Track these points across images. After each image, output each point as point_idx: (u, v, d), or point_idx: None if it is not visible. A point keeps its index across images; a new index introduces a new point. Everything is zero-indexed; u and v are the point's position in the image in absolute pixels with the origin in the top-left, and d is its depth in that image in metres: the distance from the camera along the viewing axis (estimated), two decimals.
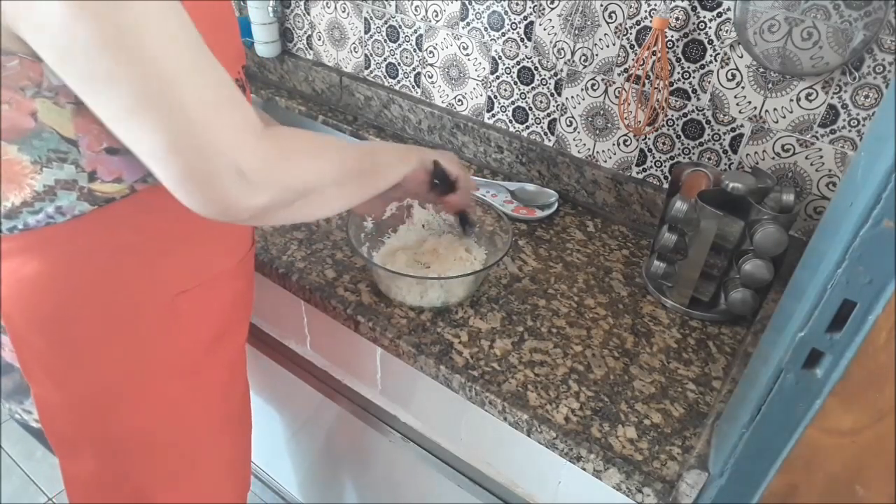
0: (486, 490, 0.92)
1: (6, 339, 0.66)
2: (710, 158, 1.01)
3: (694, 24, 0.94)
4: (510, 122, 1.20)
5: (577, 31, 1.04)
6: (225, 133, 0.52)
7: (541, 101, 1.14)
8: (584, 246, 1.05)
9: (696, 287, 0.91)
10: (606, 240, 1.08)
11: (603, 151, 1.11)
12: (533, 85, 1.13)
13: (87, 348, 0.67)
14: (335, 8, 1.32)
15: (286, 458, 1.36)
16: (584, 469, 0.73)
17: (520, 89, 1.15)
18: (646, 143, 1.06)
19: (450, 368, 0.80)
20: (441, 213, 0.98)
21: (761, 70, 0.91)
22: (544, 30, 1.07)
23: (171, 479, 0.79)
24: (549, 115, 1.14)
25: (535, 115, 1.16)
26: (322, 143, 0.65)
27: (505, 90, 1.17)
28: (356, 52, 1.34)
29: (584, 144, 1.13)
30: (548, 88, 1.12)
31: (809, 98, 0.89)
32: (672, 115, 1.02)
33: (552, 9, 1.05)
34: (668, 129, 1.03)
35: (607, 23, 1.00)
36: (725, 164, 1.00)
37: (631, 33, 0.99)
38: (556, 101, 1.12)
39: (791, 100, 0.91)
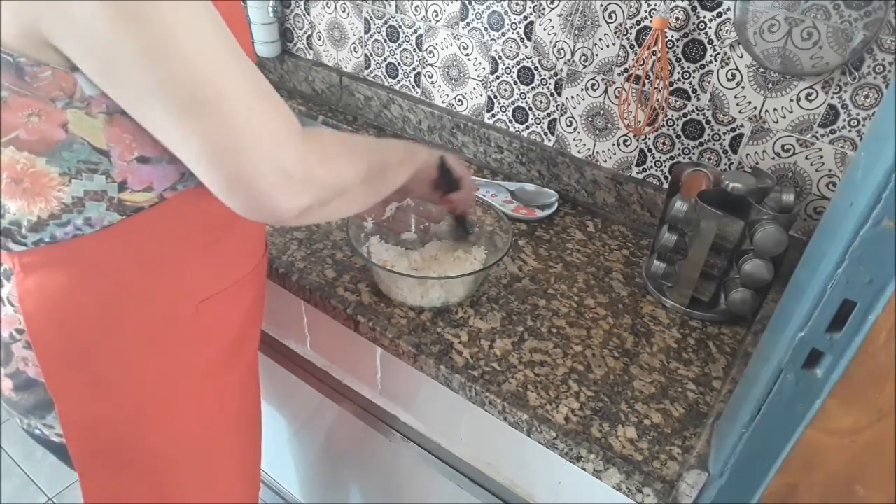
0: (486, 490, 0.92)
1: (30, 354, 0.65)
2: (710, 158, 1.02)
3: (694, 24, 0.94)
4: (510, 122, 1.20)
5: (577, 31, 1.04)
6: (269, 135, 0.53)
7: (541, 101, 1.14)
8: (584, 246, 1.05)
9: (696, 287, 0.91)
10: (606, 240, 1.08)
11: (603, 151, 1.11)
12: (533, 85, 1.13)
13: (116, 362, 0.66)
14: (335, 8, 1.32)
15: (286, 458, 1.36)
16: (584, 469, 0.73)
17: (520, 89, 1.15)
18: (646, 143, 1.06)
19: (450, 368, 0.80)
20: (442, 215, 0.98)
21: (761, 70, 0.91)
22: (544, 30, 1.07)
23: (191, 484, 0.79)
24: (549, 115, 1.14)
25: (535, 115, 1.16)
26: (350, 141, 0.67)
27: (505, 90, 1.17)
28: (356, 52, 1.34)
29: (584, 144, 1.13)
30: (548, 88, 1.12)
31: (809, 98, 0.89)
32: (672, 115, 1.02)
33: (552, 9, 1.05)
34: (668, 129, 1.03)
35: (607, 23, 1.00)
36: (725, 164, 1.00)
37: (631, 33, 0.99)
38: (556, 101, 1.12)
39: (791, 100, 0.91)
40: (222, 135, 0.51)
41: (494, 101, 1.20)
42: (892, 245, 0.40)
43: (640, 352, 0.85)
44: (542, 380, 0.79)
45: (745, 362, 0.79)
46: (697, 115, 0.99)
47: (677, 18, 0.94)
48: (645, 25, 0.97)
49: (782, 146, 0.94)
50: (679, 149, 1.03)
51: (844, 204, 0.47)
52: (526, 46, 1.11)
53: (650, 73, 0.99)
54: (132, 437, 0.71)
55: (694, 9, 0.92)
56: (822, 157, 0.92)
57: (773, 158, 0.96)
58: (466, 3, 1.13)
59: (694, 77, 0.97)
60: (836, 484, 0.52)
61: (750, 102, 0.94)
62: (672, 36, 0.96)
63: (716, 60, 0.94)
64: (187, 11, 0.48)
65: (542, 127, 1.16)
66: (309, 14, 1.37)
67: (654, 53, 0.96)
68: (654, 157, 1.07)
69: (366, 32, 1.30)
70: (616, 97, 1.05)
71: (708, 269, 0.89)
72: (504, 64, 1.15)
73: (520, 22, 1.09)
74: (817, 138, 0.91)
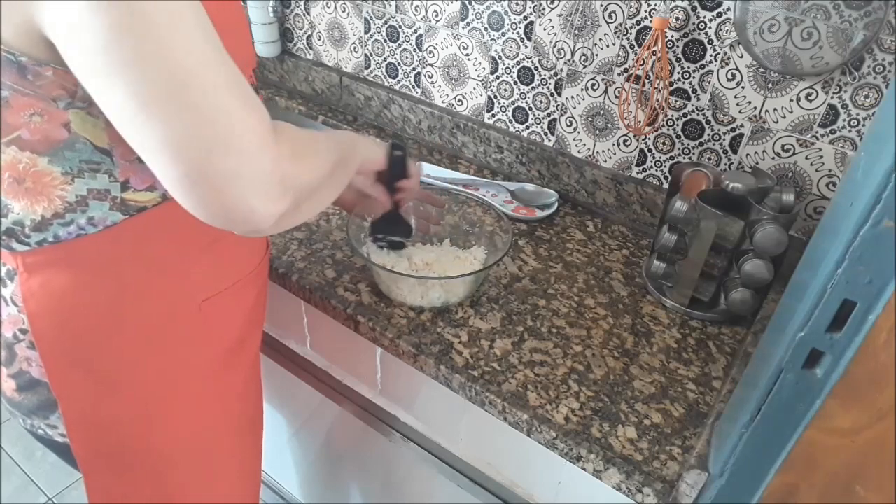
0: (486, 490, 0.92)
1: (34, 355, 0.65)
2: (710, 158, 1.02)
3: (694, 24, 0.94)
4: (510, 122, 1.20)
5: (577, 31, 1.04)
6: (246, 132, 0.49)
7: (541, 101, 1.14)
8: (584, 246, 1.05)
9: (696, 287, 0.91)
10: (606, 240, 1.08)
11: (603, 151, 1.11)
12: (533, 85, 1.13)
13: (119, 361, 0.66)
14: (335, 8, 1.32)
15: (286, 457, 1.36)
16: (584, 469, 0.73)
17: (520, 89, 1.15)
18: (646, 143, 1.06)
19: (450, 368, 0.80)
20: (442, 215, 0.97)
21: (761, 70, 0.91)
22: (544, 30, 1.07)
23: (193, 484, 0.79)
24: (549, 115, 1.14)
25: (535, 115, 1.16)
26: (313, 138, 0.63)
27: (505, 90, 1.17)
28: (356, 52, 1.34)
29: (584, 144, 1.13)
30: (548, 88, 1.12)
31: (809, 98, 0.89)
32: (672, 115, 1.02)
33: (552, 9, 1.05)
34: (668, 129, 1.03)
35: (607, 23, 1.00)
36: (725, 164, 1.00)
37: (631, 33, 0.99)
38: (556, 101, 1.12)
39: (791, 100, 0.91)
40: (191, 122, 0.47)
41: (494, 101, 1.20)
42: (892, 245, 0.40)
43: (640, 352, 0.85)
44: (542, 380, 0.79)
45: (745, 362, 0.79)
46: (697, 115, 0.99)
47: (677, 18, 0.94)
48: (645, 25, 0.97)
49: (782, 146, 0.94)
50: (679, 149, 1.03)
51: (844, 204, 0.47)
52: (526, 46, 1.11)
53: (650, 73, 0.99)
54: (135, 437, 0.71)
55: (694, 9, 0.92)
56: (822, 157, 0.92)
57: (773, 158, 0.96)
58: (466, 3, 1.13)
59: (694, 77, 0.97)
60: (836, 484, 0.52)
61: (750, 102, 0.94)
62: (672, 36, 0.96)
63: (716, 60, 0.94)
64: (168, 3, 0.46)
65: (542, 127, 1.16)
66: (309, 14, 1.37)
67: (654, 53, 0.96)
68: (654, 157, 1.07)
69: (366, 32, 1.30)
70: (616, 97, 1.05)
71: (708, 269, 0.89)
72: (504, 64, 1.15)
73: (520, 22, 1.09)
74: (817, 138, 0.91)
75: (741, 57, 0.92)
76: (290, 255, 0.96)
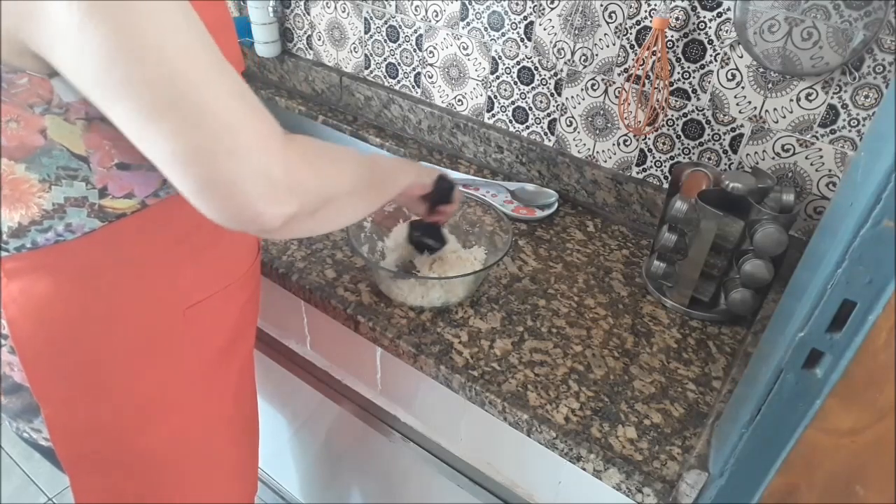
0: (486, 490, 0.92)
1: (15, 360, 0.65)
2: (710, 158, 1.01)
3: (694, 24, 0.94)
4: (510, 122, 1.20)
5: (577, 31, 1.04)
6: (249, 137, 0.50)
7: (541, 101, 1.14)
8: (584, 246, 1.05)
9: (696, 287, 0.91)
10: (606, 240, 1.08)
11: (603, 151, 1.11)
12: (533, 85, 1.13)
13: (101, 367, 0.66)
14: (335, 8, 1.32)
15: (286, 457, 1.36)
16: (584, 469, 0.73)
17: (520, 89, 1.15)
18: (646, 143, 1.06)
19: (450, 368, 0.80)
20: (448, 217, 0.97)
21: (761, 70, 0.91)
22: (544, 30, 1.07)
23: (184, 487, 0.79)
24: (549, 115, 1.14)
25: (535, 115, 1.16)
26: (336, 150, 0.64)
27: (505, 90, 1.17)
28: (356, 52, 1.34)
29: (584, 144, 1.13)
30: (548, 88, 1.12)
31: (809, 98, 0.89)
32: (672, 115, 1.02)
33: (552, 9, 1.05)
34: (668, 129, 1.03)
35: (607, 23, 1.00)
36: (725, 164, 1.00)
37: (631, 33, 0.99)
38: (556, 101, 1.12)
39: (791, 100, 0.91)
40: (196, 134, 0.48)
41: (494, 101, 1.20)
42: (892, 245, 0.40)
43: (640, 352, 0.85)
44: (542, 380, 0.79)
45: (745, 362, 0.79)
46: (697, 115, 0.99)
47: (677, 18, 0.94)
48: (645, 25, 0.97)
49: (782, 146, 0.94)
50: (679, 149, 1.03)
51: (844, 204, 0.47)
52: (526, 46, 1.11)
53: (650, 73, 0.99)
54: (121, 441, 0.71)
55: (694, 9, 0.92)
56: (822, 157, 0.92)
57: (773, 158, 0.96)
58: (466, 3, 1.13)
59: (694, 77, 0.97)
60: (836, 484, 0.52)
61: (750, 102, 0.94)
62: (672, 36, 0.96)
63: (716, 60, 0.94)
64: (160, 9, 0.46)
65: (542, 127, 1.16)
66: (309, 14, 1.37)
67: (654, 53, 0.96)
68: (654, 157, 1.07)
69: (366, 32, 1.30)
70: (616, 97, 1.05)
71: (708, 269, 0.89)
72: (504, 64, 1.15)
73: (520, 22, 1.09)
74: (817, 138, 0.91)
75: (741, 57, 0.92)
76: (290, 255, 0.96)
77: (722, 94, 0.96)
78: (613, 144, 1.10)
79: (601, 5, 1.00)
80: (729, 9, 0.90)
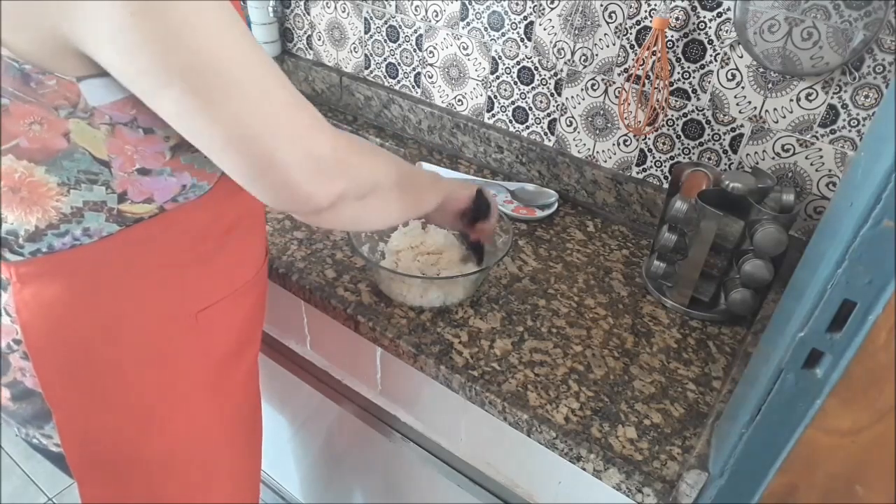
0: (486, 490, 0.92)
1: (28, 365, 0.64)
2: (710, 158, 1.01)
3: (694, 24, 0.94)
4: (510, 122, 1.20)
5: (577, 31, 1.04)
6: (297, 123, 0.54)
7: (541, 101, 1.14)
8: (584, 246, 1.05)
9: (696, 287, 0.91)
10: (606, 240, 1.08)
11: (603, 151, 1.11)
12: (533, 85, 1.13)
13: (114, 372, 0.66)
14: (335, 8, 1.32)
15: (286, 458, 1.36)
16: (584, 469, 0.73)
17: (520, 89, 1.15)
18: (646, 143, 1.06)
19: (450, 368, 0.80)
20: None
21: (761, 70, 0.91)
22: (544, 30, 1.07)
23: (189, 491, 0.79)
24: (549, 115, 1.14)
25: (535, 115, 1.16)
26: (377, 148, 0.69)
27: (505, 90, 1.17)
28: (356, 52, 1.34)
29: (584, 144, 1.13)
30: (548, 88, 1.12)
31: (809, 98, 0.89)
32: (672, 115, 1.02)
33: (552, 9, 1.05)
34: (668, 129, 1.03)
35: (607, 23, 1.00)
36: (725, 164, 1.00)
37: (631, 33, 0.99)
38: (556, 101, 1.12)
39: (791, 100, 0.91)
40: (248, 121, 0.51)
41: (494, 101, 1.20)
42: (892, 245, 0.40)
43: (640, 352, 0.85)
44: (542, 380, 0.79)
45: (745, 362, 0.79)
46: (697, 115, 0.99)
47: (677, 18, 0.94)
48: (645, 25, 0.97)
49: (782, 146, 0.94)
50: (679, 149, 1.03)
51: (844, 204, 0.47)
52: (526, 46, 1.11)
53: (650, 73, 0.99)
54: (130, 447, 0.71)
55: (694, 9, 0.92)
56: (822, 157, 0.92)
57: (773, 158, 0.96)
58: (466, 3, 1.13)
59: (694, 77, 0.97)
60: (836, 484, 0.52)
61: (750, 102, 0.94)
62: (672, 36, 0.96)
63: (716, 60, 0.94)
64: (209, 7, 0.49)
65: (542, 127, 1.16)
66: (309, 14, 1.37)
67: (654, 53, 0.96)
68: (654, 157, 1.07)
69: (366, 32, 1.30)
70: (616, 97, 1.05)
71: (708, 269, 0.89)
72: (504, 64, 1.15)
73: (520, 22, 1.09)
74: (817, 138, 0.91)
75: (741, 57, 0.92)
76: (290, 255, 0.96)
77: (722, 94, 0.96)
78: (613, 144, 1.10)
79: (601, 5, 1.00)
80: (729, 9, 0.90)
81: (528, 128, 1.18)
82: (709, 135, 1.00)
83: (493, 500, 0.92)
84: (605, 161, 1.12)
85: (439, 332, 0.85)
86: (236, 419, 0.82)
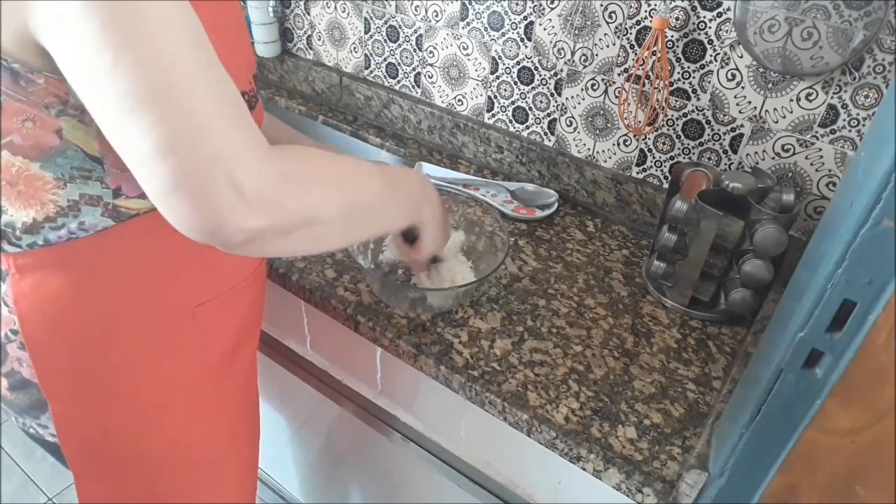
0: (486, 490, 0.92)
1: (25, 355, 0.65)
2: (710, 158, 1.01)
3: (694, 24, 0.94)
4: (510, 122, 1.20)
5: (577, 31, 1.04)
6: (224, 142, 0.47)
7: (541, 101, 1.14)
8: (584, 246, 1.05)
9: (696, 287, 0.91)
10: (606, 240, 1.08)
11: (603, 151, 1.11)
12: (533, 85, 1.13)
13: (111, 365, 0.66)
14: (335, 8, 1.32)
15: (286, 457, 1.36)
16: (584, 469, 0.73)
17: (520, 89, 1.15)
18: (646, 143, 1.06)
19: (450, 368, 0.80)
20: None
21: (761, 70, 0.91)
22: (544, 30, 1.07)
23: (185, 487, 0.79)
24: (549, 115, 1.14)
25: (535, 115, 1.16)
26: (338, 170, 0.59)
27: (505, 90, 1.17)
28: (356, 52, 1.34)
29: (584, 144, 1.13)
30: (548, 88, 1.12)
31: (809, 98, 0.89)
32: (672, 115, 1.02)
33: (552, 9, 1.05)
34: (668, 129, 1.03)
35: (607, 23, 1.00)
36: (725, 164, 1.00)
37: (631, 33, 0.99)
38: (556, 101, 1.12)
39: (791, 100, 0.91)
40: (172, 131, 0.45)
41: (494, 101, 1.20)
42: (892, 245, 0.40)
43: (640, 352, 0.85)
44: (542, 380, 0.79)
45: (745, 362, 0.79)
46: (697, 115, 0.99)
47: (677, 18, 0.94)
48: (645, 25, 0.97)
49: (782, 146, 0.94)
50: (679, 149, 1.03)
51: (844, 204, 0.47)
52: (526, 46, 1.11)
53: (650, 73, 0.99)
54: (126, 439, 0.71)
55: (694, 9, 0.92)
56: (822, 157, 0.92)
57: (773, 158, 0.96)
58: (466, 3, 1.13)
59: (694, 77, 0.97)
60: (836, 484, 0.52)
61: (750, 102, 0.94)
62: (672, 36, 0.96)
63: (716, 60, 0.94)
64: (155, 5, 0.46)
65: (542, 127, 1.16)
66: (309, 14, 1.37)
67: (654, 53, 0.96)
68: (654, 157, 1.07)
69: (366, 32, 1.30)
70: (616, 97, 1.05)
71: (708, 269, 0.89)
72: (504, 64, 1.15)
73: (520, 22, 1.09)
74: (817, 138, 0.91)
75: (741, 57, 0.92)
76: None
77: (722, 94, 0.96)
78: (613, 144, 1.10)
79: (601, 5, 1.00)
80: (729, 9, 0.90)
81: (528, 128, 1.18)
82: (709, 135, 1.00)
83: (493, 500, 0.92)
84: (605, 161, 1.12)
85: (439, 332, 0.85)
86: (235, 416, 0.83)
